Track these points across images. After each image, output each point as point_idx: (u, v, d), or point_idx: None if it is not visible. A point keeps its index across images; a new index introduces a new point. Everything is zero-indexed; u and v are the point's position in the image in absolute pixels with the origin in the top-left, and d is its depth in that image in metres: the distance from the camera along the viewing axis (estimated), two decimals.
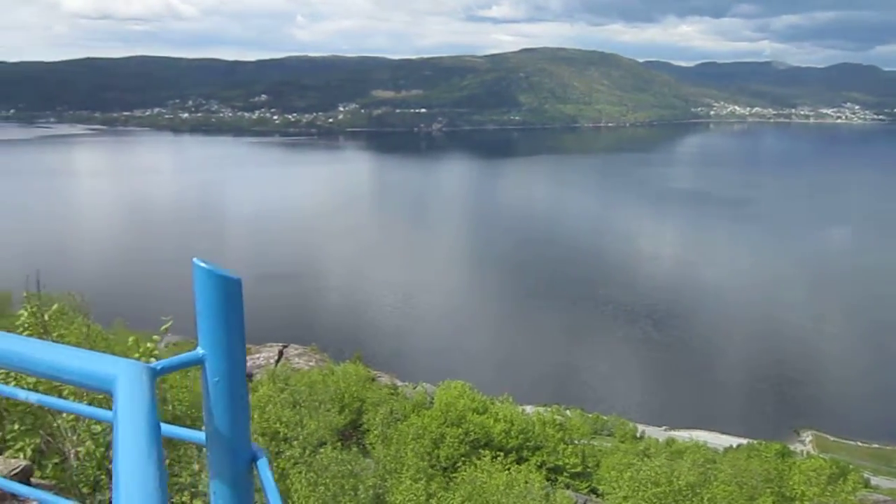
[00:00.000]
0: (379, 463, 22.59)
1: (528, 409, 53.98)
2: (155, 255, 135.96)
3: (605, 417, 74.28)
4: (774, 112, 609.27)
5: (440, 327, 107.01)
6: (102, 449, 7.11)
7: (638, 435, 70.11)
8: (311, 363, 45.12)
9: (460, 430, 30.64)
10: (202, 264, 1.85)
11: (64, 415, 7.03)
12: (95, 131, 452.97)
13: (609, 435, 69.14)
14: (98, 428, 7.02)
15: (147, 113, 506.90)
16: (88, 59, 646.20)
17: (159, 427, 1.47)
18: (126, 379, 1.57)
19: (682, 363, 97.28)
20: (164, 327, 8.67)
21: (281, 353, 55.02)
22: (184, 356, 1.88)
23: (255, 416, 20.67)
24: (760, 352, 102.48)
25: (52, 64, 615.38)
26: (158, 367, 1.73)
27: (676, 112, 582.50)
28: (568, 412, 67.92)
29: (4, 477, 4.45)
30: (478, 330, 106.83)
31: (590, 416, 72.79)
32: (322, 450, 19.62)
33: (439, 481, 22.59)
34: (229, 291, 1.86)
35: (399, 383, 46.19)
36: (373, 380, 39.25)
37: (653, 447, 47.29)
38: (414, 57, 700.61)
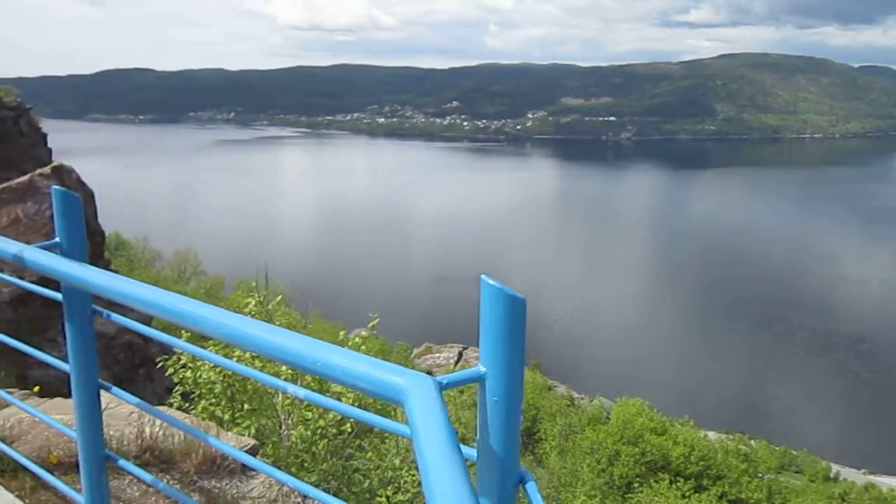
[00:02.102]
0: (553, 474, 22.52)
1: (711, 434, 51.40)
2: (348, 250, 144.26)
3: (794, 452, 68.70)
4: None
5: (619, 340, 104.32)
6: (310, 433, 7.80)
7: (832, 475, 64.53)
8: None
9: (637, 449, 29.80)
10: (491, 282, 1.77)
11: (282, 398, 7.79)
12: (301, 134, 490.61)
13: (798, 472, 64.30)
14: (309, 415, 7.71)
15: (347, 118, 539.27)
16: (297, 67, 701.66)
17: (459, 445, 1.42)
18: (417, 392, 1.56)
19: (888, 401, 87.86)
20: (371, 323, 9.30)
21: (460, 355, 56.28)
22: (465, 372, 1.85)
23: None
24: None
25: (267, 71, 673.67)
26: (444, 382, 1.71)
27: None
28: (753, 442, 63.87)
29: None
30: (658, 346, 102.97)
31: (777, 448, 67.81)
32: None
33: (614, 501, 22.14)
34: (515, 310, 1.78)
35: (576, 395, 45.67)
36: (549, 389, 39.17)
37: (851, 492, 43.37)
38: (605, 64, 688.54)
